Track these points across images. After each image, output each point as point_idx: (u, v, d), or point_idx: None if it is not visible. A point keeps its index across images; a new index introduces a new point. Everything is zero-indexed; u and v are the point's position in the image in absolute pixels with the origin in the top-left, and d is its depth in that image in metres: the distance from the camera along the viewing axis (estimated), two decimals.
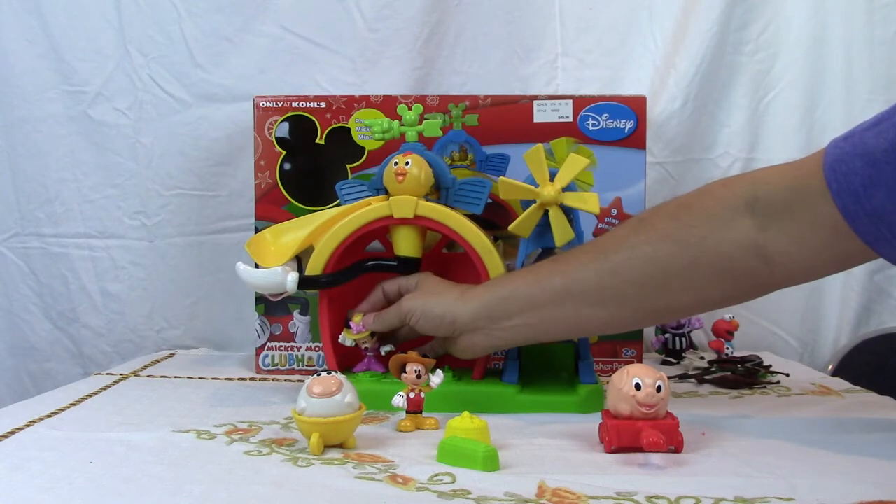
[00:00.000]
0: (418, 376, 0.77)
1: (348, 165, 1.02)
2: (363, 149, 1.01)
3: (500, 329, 0.79)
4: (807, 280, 0.76)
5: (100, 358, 1.22)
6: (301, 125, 1.02)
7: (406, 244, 0.86)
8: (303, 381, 0.70)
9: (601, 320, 0.78)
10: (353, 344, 0.87)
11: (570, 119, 1.00)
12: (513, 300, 0.79)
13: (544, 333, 0.80)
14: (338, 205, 0.90)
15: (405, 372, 0.77)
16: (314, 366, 1.03)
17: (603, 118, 0.99)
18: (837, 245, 0.69)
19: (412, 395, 0.76)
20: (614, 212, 1.00)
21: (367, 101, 1.01)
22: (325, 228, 0.86)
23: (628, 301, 0.77)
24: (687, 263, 0.74)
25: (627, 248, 0.76)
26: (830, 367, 1.18)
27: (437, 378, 0.76)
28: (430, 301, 0.82)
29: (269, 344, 1.04)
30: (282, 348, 1.03)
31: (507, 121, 1.00)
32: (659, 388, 0.67)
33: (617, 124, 0.99)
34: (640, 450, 0.66)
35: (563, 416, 0.80)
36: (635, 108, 1.00)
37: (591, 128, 0.99)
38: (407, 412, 0.77)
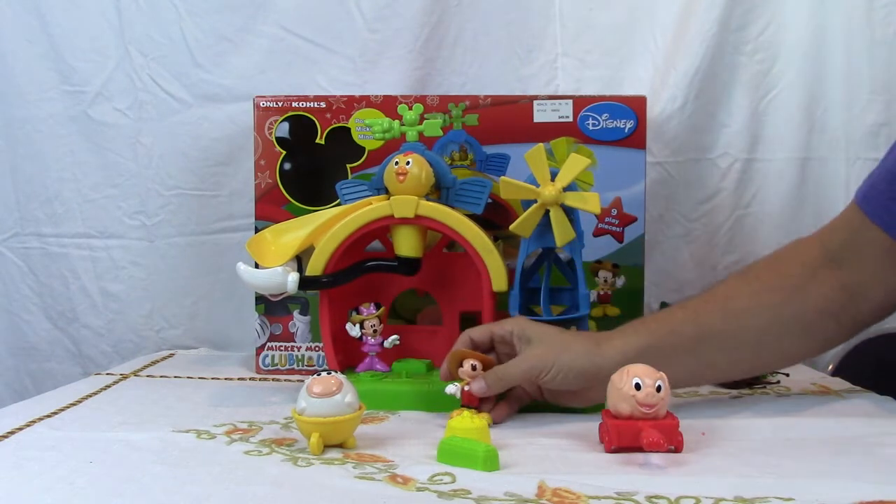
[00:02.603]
0: (473, 369, 0.76)
1: (348, 165, 1.02)
2: (363, 149, 1.01)
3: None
4: (891, 310, 0.81)
5: (100, 358, 1.22)
6: (301, 125, 1.02)
7: (407, 244, 0.86)
8: (303, 381, 0.70)
9: (722, 368, 0.81)
10: (359, 335, 0.87)
11: (570, 119, 1.00)
12: (652, 350, 0.77)
13: (684, 377, 0.80)
14: (338, 204, 0.90)
15: (461, 367, 0.77)
16: (314, 366, 1.03)
17: (603, 118, 0.99)
18: (883, 254, 0.78)
19: (467, 388, 0.76)
20: (614, 212, 1.00)
21: (367, 101, 1.01)
22: (325, 228, 0.86)
23: (749, 347, 0.80)
24: (795, 310, 0.80)
25: (746, 297, 0.81)
26: (830, 367, 1.18)
27: (452, 388, 0.76)
28: (566, 356, 0.76)
29: (269, 344, 1.04)
30: (282, 348, 1.03)
31: (507, 121, 1.00)
32: (659, 388, 0.67)
33: (617, 124, 0.99)
34: (640, 450, 0.66)
35: (563, 416, 0.80)
36: (635, 108, 1.00)
37: (591, 128, 1.00)
38: (462, 405, 0.76)
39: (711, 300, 0.82)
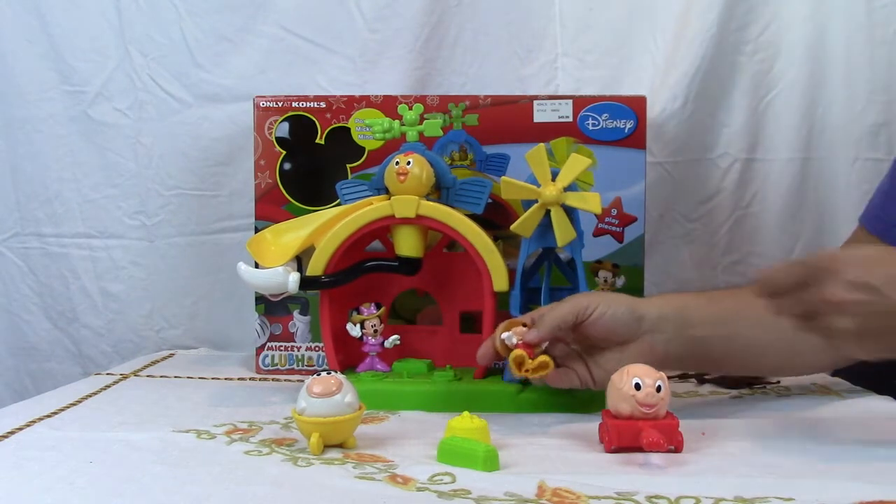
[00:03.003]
0: (524, 325, 0.76)
1: (348, 165, 1.02)
2: (363, 149, 1.01)
3: (680, 337, 0.78)
4: None
5: (100, 358, 1.22)
6: (301, 125, 1.02)
7: (407, 244, 0.86)
8: (303, 381, 0.70)
9: (759, 348, 0.80)
10: (359, 335, 0.87)
11: (570, 119, 0.99)
12: (692, 309, 0.79)
13: (717, 350, 0.80)
14: (338, 205, 0.90)
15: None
16: (314, 366, 1.03)
17: (603, 118, 0.99)
18: None
19: (519, 339, 0.75)
20: (614, 211, 1.00)
21: (367, 101, 1.01)
22: (326, 228, 0.86)
23: (785, 335, 0.77)
24: None
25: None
26: None
27: (507, 334, 0.75)
28: (610, 298, 0.78)
29: (269, 344, 1.04)
30: (282, 348, 1.03)
31: (507, 121, 1.00)
32: (659, 388, 0.67)
33: (617, 124, 0.99)
34: (640, 450, 0.66)
35: (563, 416, 0.80)
36: (635, 108, 1.00)
37: (591, 128, 0.99)
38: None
39: (748, 287, 0.84)
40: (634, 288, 1.01)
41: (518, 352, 0.74)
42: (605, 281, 1.01)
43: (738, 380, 0.94)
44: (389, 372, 0.87)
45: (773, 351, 0.81)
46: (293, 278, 0.83)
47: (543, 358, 0.74)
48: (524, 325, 0.77)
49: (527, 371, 0.74)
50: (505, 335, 0.76)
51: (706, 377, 0.96)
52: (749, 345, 0.81)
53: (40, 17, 1.18)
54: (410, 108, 0.88)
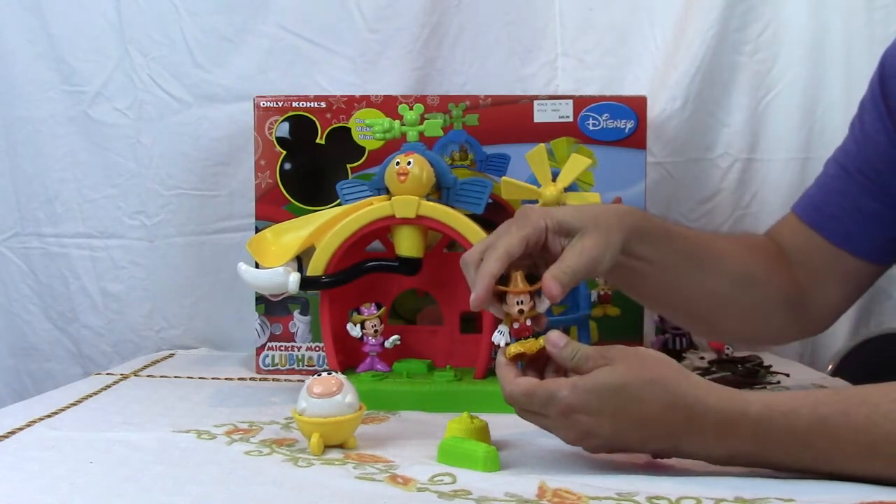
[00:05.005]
0: (520, 302, 0.66)
1: (349, 165, 1.02)
2: (363, 149, 1.01)
3: (629, 253, 0.72)
4: (839, 311, 0.85)
5: (100, 358, 1.21)
6: (301, 125, 1.02)
7: (407, 244, 0.86)
8: (303, 381, 0.70)
9: (694, 297, 0.78)
10: (360, 335, 0.86)
11: (571, 119, 1.00)
12: (643, 235, 0.73)
13: (652, 279, 0.75)
14: (338, 205, 0.90)
15: (506, 303, 0.66)
16: (314, 366, 1.03)
17: (603, 118, 0.99)
18: (830, 260, 0.81)
19: (516, 325, 0.66)
20: None
21: (367, 101, 1.01)
22: (326, 228, 0.86)
23: (723, 289, 0.79)
24: (763, 276, 0.81)
25: (726, 244, 0.83)
26: (830, 366, 1.18)
27: (499, 336, 0.67)
28: (607, 241, 0.70)
29: (269, 344, 1.04)
30: (282, 348, 1.03)
31: (507, 121, 1.00)
32: None
33: (617, 124, 1.00)
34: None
35: None
36: (635, 108, 1.00)
37: (591, 128, 1.00)
38: (515, 338, 0.66)
39: (698, 232, 0.85)
40: None
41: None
42: (605, 281, 1.01)
43: (739, 380, 0.94)
44: (389, 372, 0.87)
45: (712, 296, 0.79)
46: (293, 278, 0.83)
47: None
48: (520, 301, 0.66)
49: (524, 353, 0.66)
50: (496, 338, 0.67)
51: (706, 377, 0.96)
52: (686, 286, 0.78)
53: (40, 17, 1.18)
54: (411, 108, 0.88)
